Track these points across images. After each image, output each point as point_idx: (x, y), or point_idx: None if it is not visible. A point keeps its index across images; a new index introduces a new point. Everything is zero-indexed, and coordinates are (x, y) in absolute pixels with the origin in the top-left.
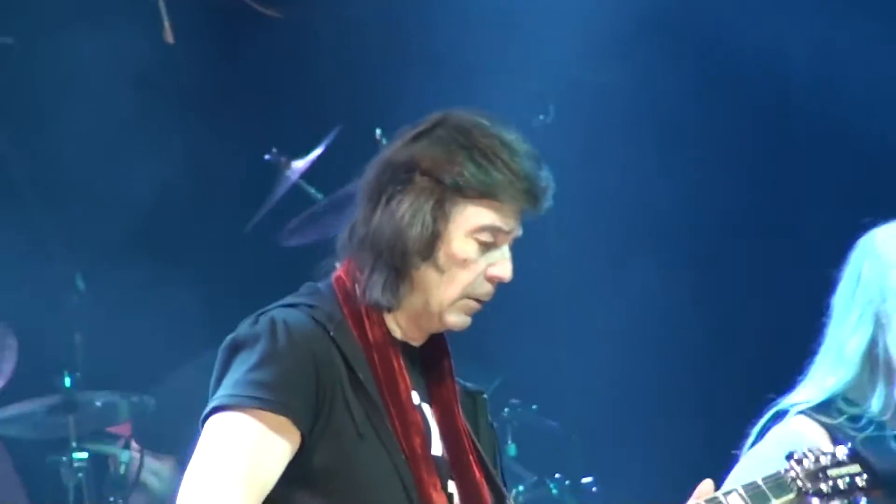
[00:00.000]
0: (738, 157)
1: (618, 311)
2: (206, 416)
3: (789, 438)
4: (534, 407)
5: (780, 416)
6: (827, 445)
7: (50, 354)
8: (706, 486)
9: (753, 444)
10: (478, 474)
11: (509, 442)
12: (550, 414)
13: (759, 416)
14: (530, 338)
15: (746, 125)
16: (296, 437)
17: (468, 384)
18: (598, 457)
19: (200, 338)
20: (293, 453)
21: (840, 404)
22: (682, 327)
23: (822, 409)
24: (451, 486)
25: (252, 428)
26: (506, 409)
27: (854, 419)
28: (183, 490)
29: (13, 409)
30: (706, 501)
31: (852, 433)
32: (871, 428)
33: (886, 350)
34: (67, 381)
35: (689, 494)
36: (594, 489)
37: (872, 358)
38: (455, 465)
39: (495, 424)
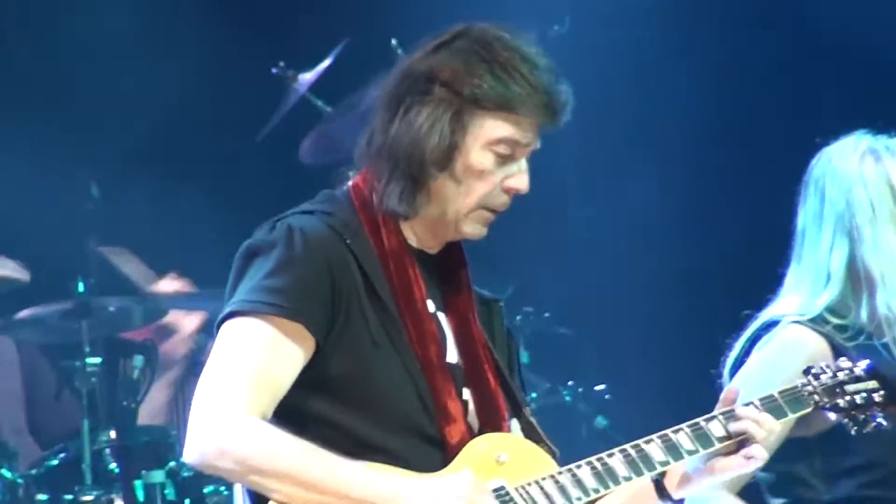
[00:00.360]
0: (740, 67)
1: (624, 219)
2: (221, 321)
3: (793, 344)
4: (546, 314)
5: (772, 325)
6: (831, 355)
7: (64, 260)
8: (731, 394)
9: (744, 354)
10: (493, 382)
11: (522, 350)
12: (563, 321)
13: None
14: (542, 246)
15: (753, 36)
16: (310, 343)
17: (484, 292)
18: (610, 364)
19: (214, 245)
20: (307, 360)
21: (826, 315)
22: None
23: (813, 321)
24: (466, 394)
25: (266, 333)
26: (518, 317)
27: (840, 329)
28: (198, 392)
29: (27, 314)
30: (722, 414)
31: (844, 342)
32: (862, 337)
33: (864, 262)
34: (81, 287)
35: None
36: (607, 396)
37: (853, 272)
38: (470, 373)
39: (511, 330)
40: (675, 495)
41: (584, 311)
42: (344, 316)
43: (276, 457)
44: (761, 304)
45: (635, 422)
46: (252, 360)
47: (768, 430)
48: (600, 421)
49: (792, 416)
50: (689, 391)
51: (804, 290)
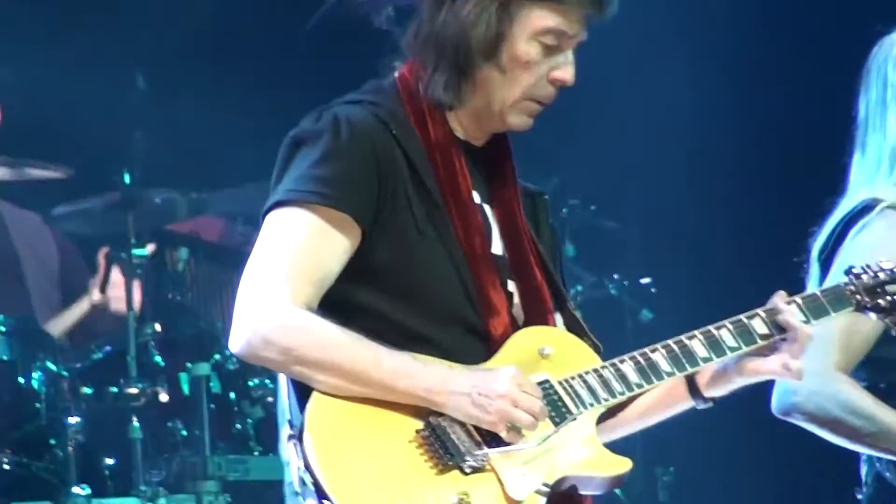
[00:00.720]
0: None
1: (674, 111)
2: (267, 211)
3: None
4: (592, 207)
5: (865, 210)
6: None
7: (109, 152)
8: (780, 295)
9: (842, 235)
10: (538, 275)
11: (567, 243)
12: (609, 214)
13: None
14: (589, 138)
15: None
16: (356, 233)
17: (529, 185)
18: (656, 257)
19: (260, 136)
20: (353, 250)
21: None
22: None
23: None
24: (511, 286)
25: (313, 223)
26: (564, 210)
27: None
28: (243, 282)
29: (73, 206)
30: (764, 311)
31: None
32: None
33: None
34: (127, 178)
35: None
36: (653, 289)
37: None
38: (515, 264)
39: (555, 225)
40: (707, 394)
41: (631, 203)
42: (390, 206)
43: (322, 348)
44: (806, 196)
45: (680, 315)
46: (298, 249)
47: (807, 336)
48: (645, 314)
49: (833, 315)
50: (734, 285)
51: (876, 176)
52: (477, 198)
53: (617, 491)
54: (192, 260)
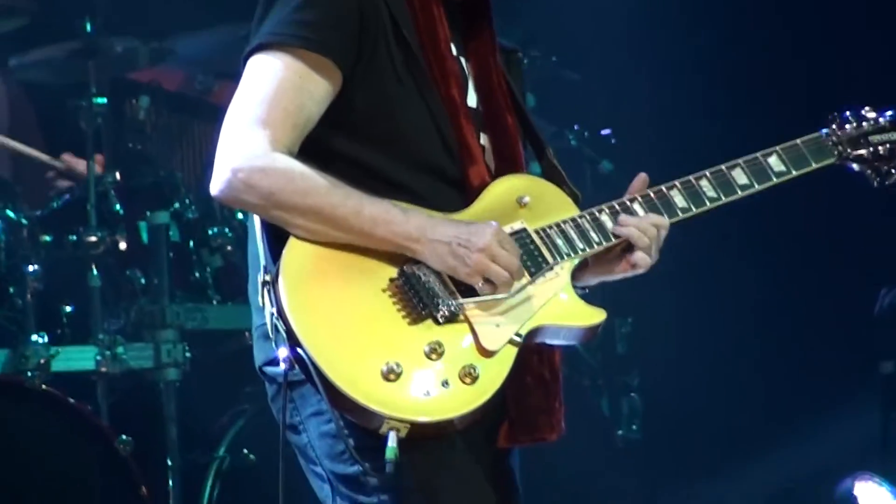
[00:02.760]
0: None
1: None
2: (248, 55)
3: None
4: (553, 58)
5: None
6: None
7: None
8: (639, 180)
9: None
10: (511, 128)
11: (528, 94)
12: (570, 65)
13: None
14: None
15: None
16: (337, 77)
17: (504, 42)
18: (617, 108)
19: None
20: (334, 94)
21: None
22: None
23: None
24: (484, 139)
25: (294, 66)
26: (525, 61)
27: None
28: (225, 126)
29: (34, 55)
30: (745, 161)
31: None
32: None
33: None
34: (88, 26)
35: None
36: (613, 140)
37: None
38: (489, 117)
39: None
40: (577, 283)
41: (592, 54)
42: (370, 52)
43: (303, 193)
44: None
45: (640, 167)
46: (280, 93)
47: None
48: (605, 165)
49: (815, 167)
50: (695, 135)
51: None
52: (454, 50)
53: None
54: (153, 109)
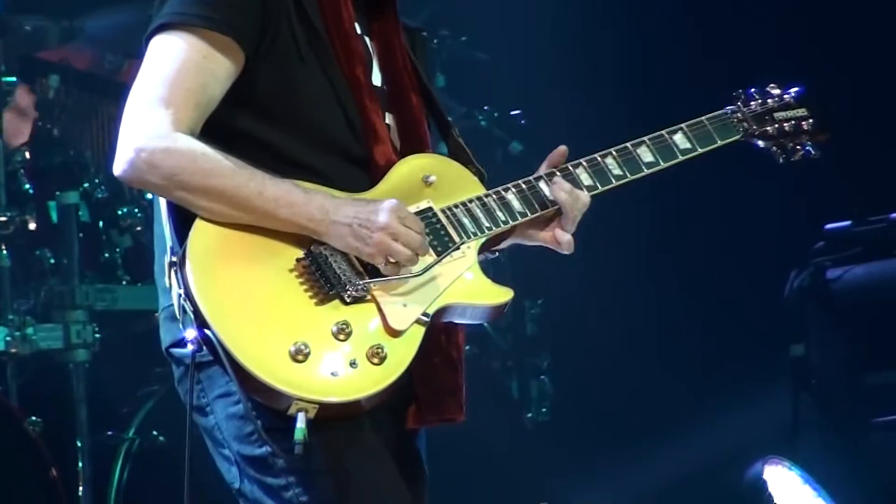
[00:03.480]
0: None
1: None
2: (150, 35)
3: None
4: (463, 38)
5: None
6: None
7: None
8: (557, 153)
9: None
10: (416, 108)
11: (438, 74)
12: (480, 46)
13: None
14: None
15: None
16: (239, 57)
17: (408, 21)
18: (526, 89)
19: None
20: (237, 74)
21: None
22: None
23: None
24: (389, 119)
25: (196, 46)
26: (435, 41)
27: None
28: (128, 106)
29: None
30: (650, 139)
31: None
32: None
33: None
34: None
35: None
36: (522, 121)
37: None
38: (394, 96)
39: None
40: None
41: (502, 34)
42: (273, 31)
43: (206, 173)
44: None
45: (550, 147)
46: (182, 73)
47: (580, 206)
48: (515, 146)
49: (720, 143)
50: (607, 114)
51: None
52: (358, 29)
53: (485, 324)
54: (63, 88)
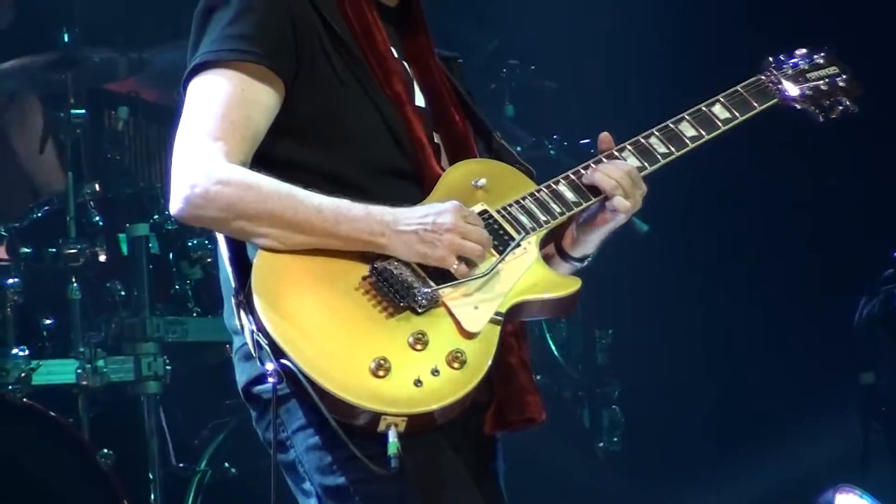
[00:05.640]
0: None
1: None
2: (188, 78)
3: None
4: (532, 67)
5: None
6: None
7: (49, 9)
8: (603, 140)
9: None
10: (461, 124)
11: (507, 103)
12: (548, 75)
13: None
14: None
15: None
16: (280, 86)
17: (442, 51)
18: (595, 117)
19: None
20: (279, 103)
21: None
22: None
23: None
24: (437, 138)
25: (236, 80)
26: (504, 70)
27: None
28: (177, 145)
29: (11, 64)
30: (690, 114)
31: None
32: None
33: None
34: (66, 37)
35: None
36: (592, 150)
37: None
38: (438, 115)
39: (493, 86)
40: (574, 254)
41: (570, 63)
42: (308, 57)
43: (261, 200)
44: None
45: None
46: (226, 107)
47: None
48: None
49: (759, 109)
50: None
51: None
52: (394, 52)
53: (556, 353)
54: (132, 119)
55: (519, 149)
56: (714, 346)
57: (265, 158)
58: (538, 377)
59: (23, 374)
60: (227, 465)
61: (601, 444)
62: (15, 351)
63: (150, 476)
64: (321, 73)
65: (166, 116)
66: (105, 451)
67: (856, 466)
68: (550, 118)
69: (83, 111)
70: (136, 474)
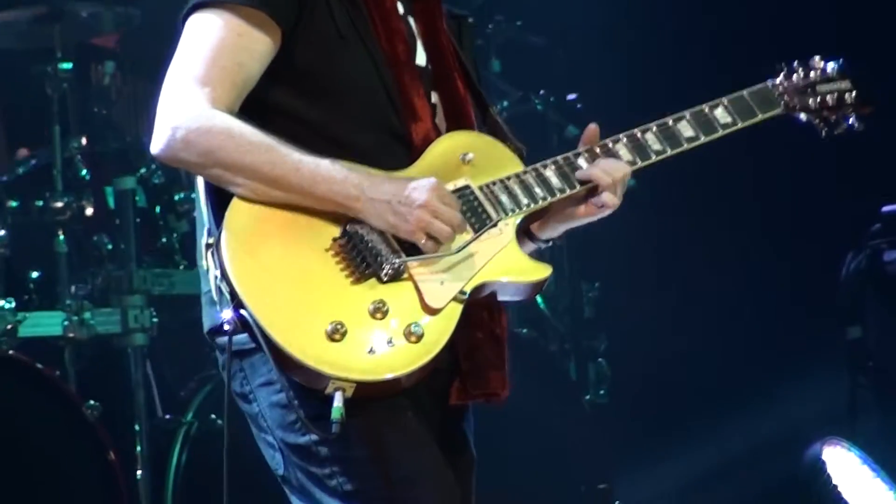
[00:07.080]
0: None
1: None
2: (186, 15)
3: None
4: (518, 23)
5: None
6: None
7: None
8: (590, 132)
9: None
10: (461, 88)
11: (493, 58)
12: (535, 29)
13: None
14: None
15: None
16: (276, 33)
17: (454, 8)
18: (582, 73)
19: None
20: (274, 51)
21: None
22: None
23: None
24: (435, 98)
25: (233, 23)
26: (490, 26)
27: None
28: (165, 85)
29: None
30: (691, 114)
31: None
32: None
33: None
34: None
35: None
36: (578, 105)
37: None
38: (439, 77)
39: (479, 42)
40: (541, 236)
41: (557, 18)
42: (310, 7)
43: (242, 151)
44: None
45: (606, 132)
46: (219, 51)
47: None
48: (571, 130)
49: (762, 117)
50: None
51: None
52: (400, 9)
53: (542, 306)
54: (118, 74)
55: (506, 103)
56: (700, 299)
57: (256, 101)
58: (524, 330)
59: (9, 327)
60: (213, 416)
61: (587, 397)
62: (1, 303)
63: (137, 428)
64: (322, 24)
65: (153, 70)
66: (91, 402)
67: (843, 420)
68: (537, 73)
69: (70, 65)
70: (122, 426)
